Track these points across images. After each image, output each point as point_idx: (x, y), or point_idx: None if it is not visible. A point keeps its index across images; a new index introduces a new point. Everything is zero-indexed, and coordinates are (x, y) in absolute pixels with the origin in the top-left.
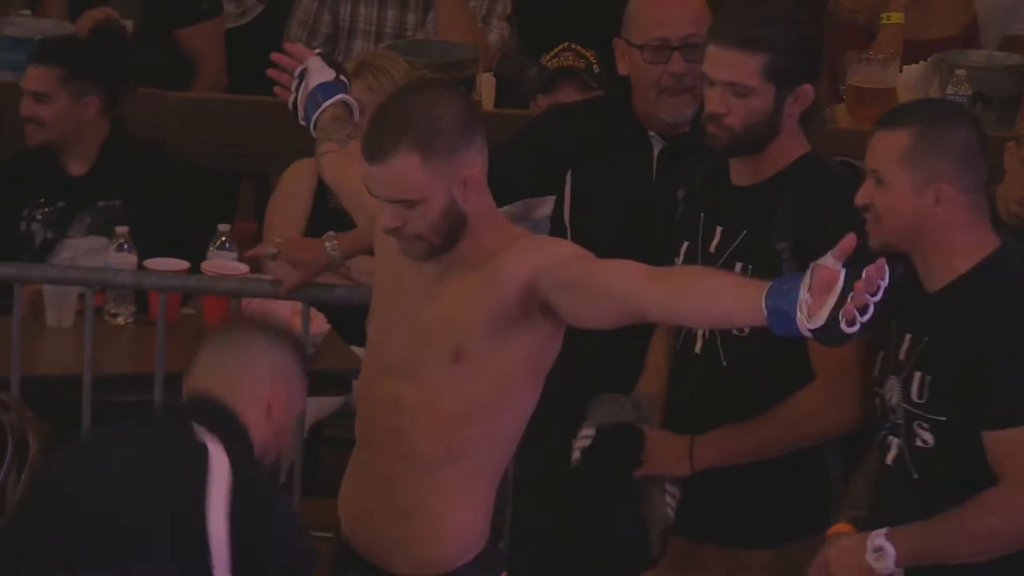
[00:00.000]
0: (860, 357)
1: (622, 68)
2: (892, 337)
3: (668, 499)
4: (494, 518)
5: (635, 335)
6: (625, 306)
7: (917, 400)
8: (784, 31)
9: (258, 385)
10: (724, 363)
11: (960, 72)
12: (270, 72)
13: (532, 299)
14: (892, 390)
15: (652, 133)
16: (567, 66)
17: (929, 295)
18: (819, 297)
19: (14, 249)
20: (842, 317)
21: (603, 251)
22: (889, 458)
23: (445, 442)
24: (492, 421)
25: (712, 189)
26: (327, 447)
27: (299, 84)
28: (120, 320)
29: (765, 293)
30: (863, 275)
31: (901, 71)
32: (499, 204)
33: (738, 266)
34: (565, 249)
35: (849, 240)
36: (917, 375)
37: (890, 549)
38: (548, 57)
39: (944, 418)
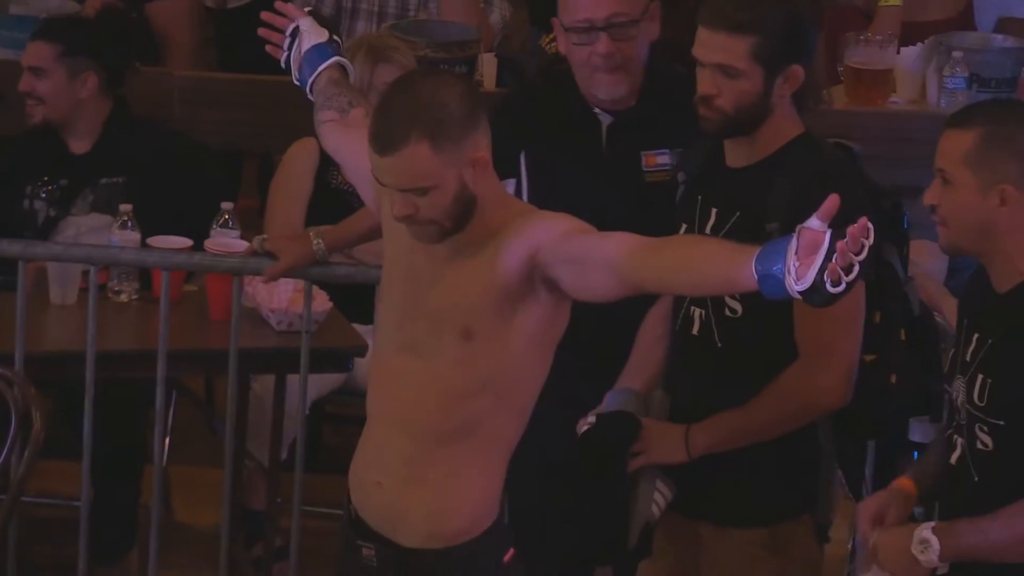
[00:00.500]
0: (844, 336)
1: (560, 47)
2: (962, 336)
3: (657, 496)
4: None
5: (632, 322)
6: (622, 278)
7: (979, 403)
8: (773, 13)
9: None
10: (719, 344)
11: (957, 54)
12: (261, 31)
13: (535, 274)
14: (958, 390)
15: (597, 110)
16: None
17: (998, 296)
18: (806, 259)
19: (17, 227)
20: (827, 277)
21: None
22: (953, 458)
23: (455, 417)
24: (502, 395)
25: (708, 171)
26: (328, 424)
27: (291, 43)
28: (123, 297)
29: (755, 258)
30: (847, 235)
31: (899, 53)
32: None
33: None
34: (565, 223)
35: (833, 201)
36: (980, 377)
37: (935, 543)
38: (546, 40)
39: (1003, 422)
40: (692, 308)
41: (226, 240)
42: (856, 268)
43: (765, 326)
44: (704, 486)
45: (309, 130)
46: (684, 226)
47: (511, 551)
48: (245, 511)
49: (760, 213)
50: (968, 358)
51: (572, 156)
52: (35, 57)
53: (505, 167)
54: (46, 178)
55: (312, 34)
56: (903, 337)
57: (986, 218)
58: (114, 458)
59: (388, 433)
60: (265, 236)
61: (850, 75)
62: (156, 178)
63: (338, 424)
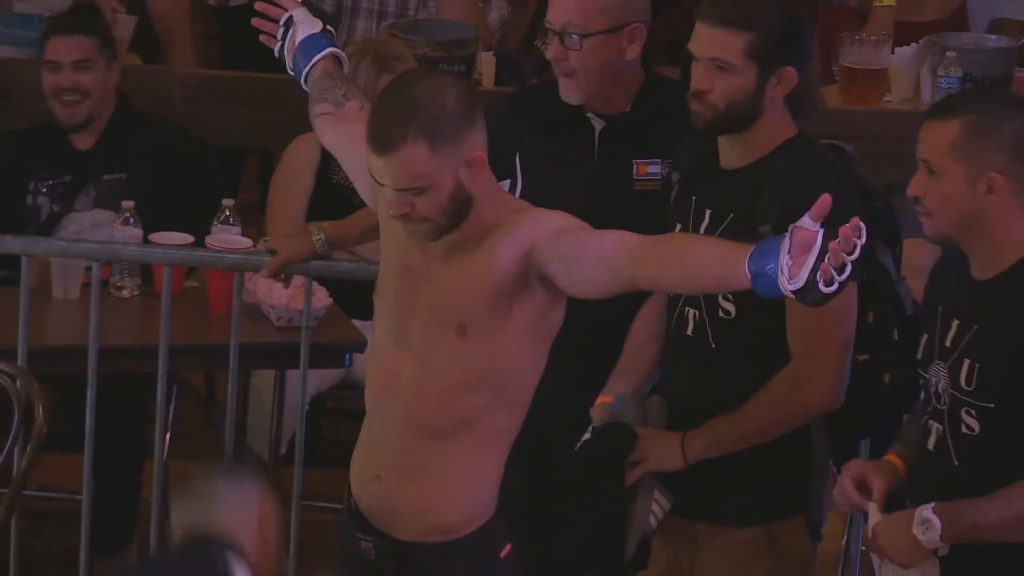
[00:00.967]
0: (835, 339)
1: None
2: (938, 323)
3: (655, 507)
4: None
5: (624, 323)
6: (616, 275)
7: (966, 387)
8: (771, 12)
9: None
10: (713, 345)
11: (951, 54)
12: (255, 21)
13: (530, 271)
14: (937, 375)
15: (590, 114)
16: None
17: (979, 283)
18: (799, 258)
19: (21, 222)
20: (820, 277)
21: None
22: (930, 443)
23: (452, 412)
24: (498, 391)
25: (702, 172)
26: (327, 419)
27: (285, 33)
28: (125, 293)
29: (748, 257)
30: (839, 235)
31: (893, 53)
32: None
33: None
34: (559, 220)
35: (825, 200)
36: (966, 362)
37: (936, 522)
38: (541, 42)
39: (993, 405)
40: (687, 309)
41: (227, 236)
42: (848, 267)
43: (759, 328)
44: (698, 486)
45: (310, 127)
46: (679, 226)
47: (508, 546)
48: None
49: (753, 215)
50: (948, 344)
51: (565, 159)
52: (79, 51)
53: (501, 167)
54: (49, 174)
55: (306, 24)
56: (896, 337)
57: (973, 207)
58: (115, 452)
59: (385, 428)
60: (267, 238)
61: (845, 75)
62: (158, 174)
63: (337, 419)
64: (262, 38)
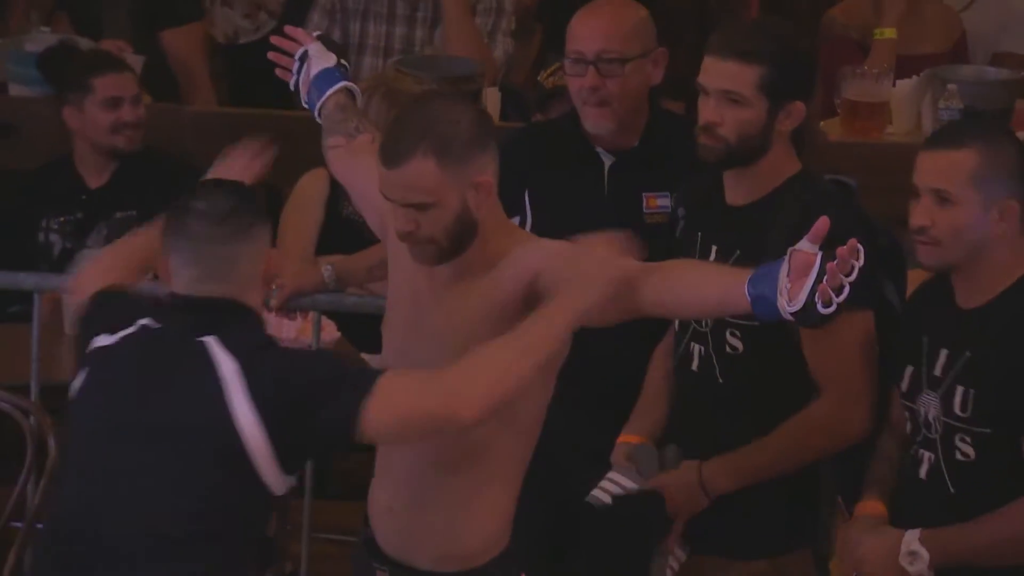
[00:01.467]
0: (865, 367)
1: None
2: (924, 353)
3: (672, 562)
4: None
5: (632, 354)
6: (620, 302)
7: (960, 413)
8: (780, 47)
9: (253, 267)
10: (720, 380)
11: (951, 86)
12: (271, 55)
13: (536, 300)
14: (927, 405)
15: (600, 149)
16: (561, 85)
17: (967, 311)
18: (797, 280)
19: (34, 259)
20: (818, 298)
21: None
22: (922, 472)
23: (460, 442)
24: (505, 421)
25: (708, 208)
26: (337, 452)
27: (300, 67)
28: None
29: (748, 281)
30: (836, 257)
31: (894, 85)
32: None
33: None
34: (564, 249)
35: (823, 223)
36: (959, 389)
37: (924, 553)
38: (544, 75)
39: (989, 430)
40: (692, 344)
41: None
42: (846, 289)
43: (766, 364)
44: (705, 519)
45: (318, 163)
46: None
47: None
48: None
49: (759, 253)
50: (939, 373)
51: (574, 194)
52: (133, 86)
53: (510, 203)
54: (61, 211)
55: (320, 58)
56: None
57: (983, 234)
58: None
59: (397, 460)
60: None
61: (847, 107)
62: None
63: (347, 451)
64: (278, 72)
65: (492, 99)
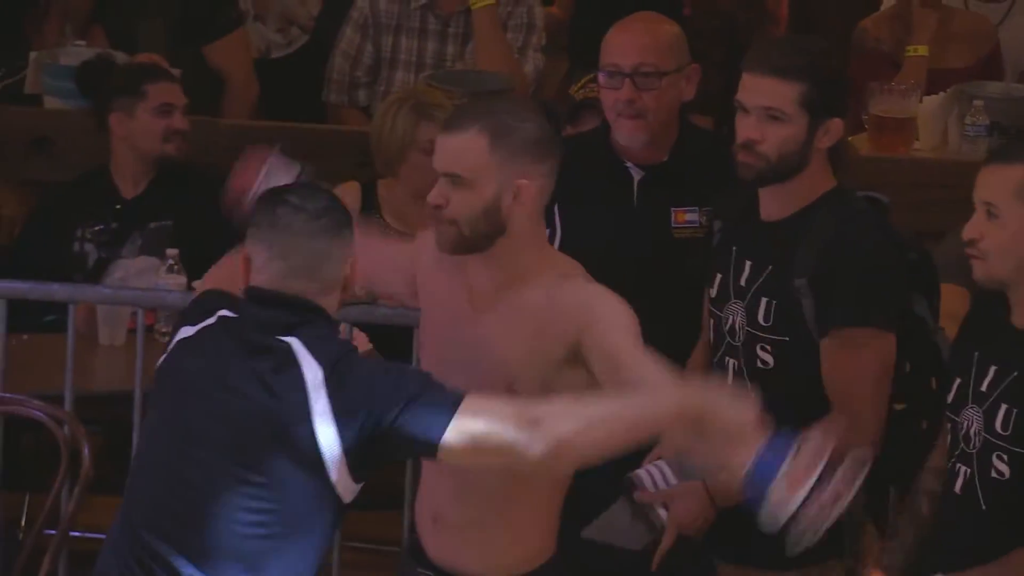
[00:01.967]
0: (876, 392)
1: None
2: (973, 367)
3: (654, 518)
4: None
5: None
6: None
7: (1001, 432)
8: (819, 64)
9: (337, 268)
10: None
11: (978, 103)
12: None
13: (579, 352)
14: (970, 419)
15: (629, 164)
16: (591, 97)
17: (1017, 331)
18: (796, 482)
19: (68, 269)
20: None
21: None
22: (958, 486)
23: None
24: None
25: (743, 222)
26: None
27: (261, 179)
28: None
29: (753, 465)
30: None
31: (921, 101)
32: None
33: (763, 301)
34: (611, 313)
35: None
36: (1003, 407)
37: None
38: (575, 88)
39: None
40: (726, 358)
41: None
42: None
43: (795, 378)
44: (733, 529)
45: (349, 175)
46: (719, 276)
47: None
48: None
49: (790, 268)
50: (984, 389)
51: (604, 208)
52: (183, 96)
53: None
54: (96, 221)
55: (281, 171)
56: (934, 386)
57: None
58: None
59: (446, 471)
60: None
61: (874, 123)
62: (202, 223)
63: None
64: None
65: None
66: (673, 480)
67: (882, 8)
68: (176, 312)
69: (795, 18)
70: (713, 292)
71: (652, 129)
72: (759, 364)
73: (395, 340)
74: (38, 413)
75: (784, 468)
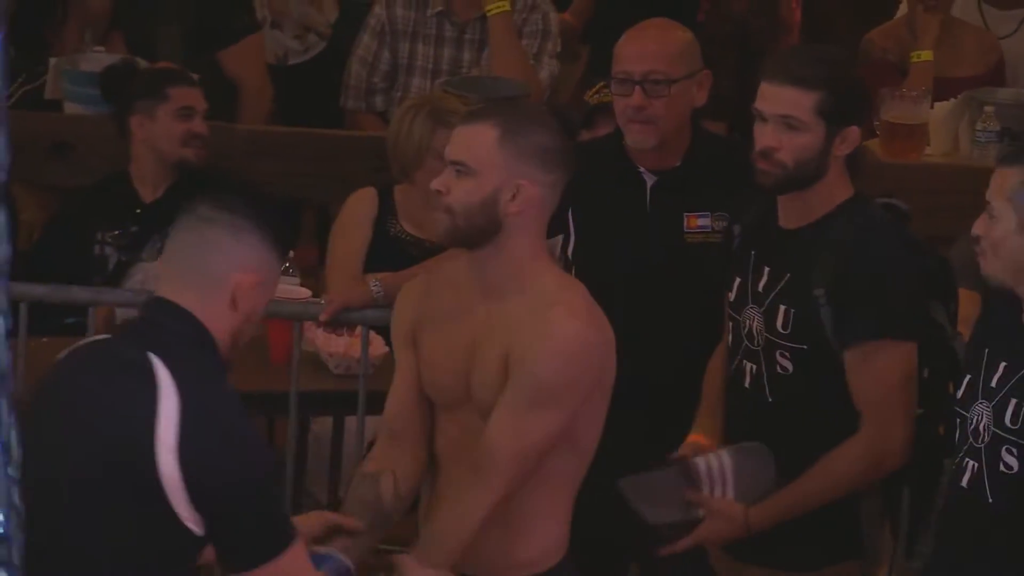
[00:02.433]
0: (904, 399)
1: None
2: (984, 363)
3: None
4: None
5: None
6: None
7: (1011, 425)
8: (836, 73)
9: (221, 275)
10: (770, 399)
11: (988, 108)
12: None
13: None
14: (980, 414)
15: (642, 169)
16: (605, 102)
17: None
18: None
19: (89, 272)
20: None
21: (606, 284)
22: (965, 480)
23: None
24: (569, 438)
25: (762, 228)
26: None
27: None
28: None
29: None
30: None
31: (932, 107)
32: None
33: (781, 308)
34: (537, 360)
35: None
36: (1013, 402)
37: None
38: (590, 93)
39: None
40: (744, 362)
41: (286, 287)
42: None
43: (815, 385)
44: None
45: (366, 181)
46: (738, 279)
47: None
48: None
49: (809, 277)
50: (994, 384)
51: (617, 213)
52: (204, 100)
53: (554, 222)
54: (116, 225)
55: None
56: (951, 390)
57: (1022, 254)
58: None
59: (455, 474)
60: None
61: (886, 129)
62: None
63: None
64: None
65: None
66: (729, 478)
67: (895, 18)
68: None
69: (807, 26)
70: (732, 296)
71: (663, 135)
72: (779, 370)
73: None
74: None
75: None
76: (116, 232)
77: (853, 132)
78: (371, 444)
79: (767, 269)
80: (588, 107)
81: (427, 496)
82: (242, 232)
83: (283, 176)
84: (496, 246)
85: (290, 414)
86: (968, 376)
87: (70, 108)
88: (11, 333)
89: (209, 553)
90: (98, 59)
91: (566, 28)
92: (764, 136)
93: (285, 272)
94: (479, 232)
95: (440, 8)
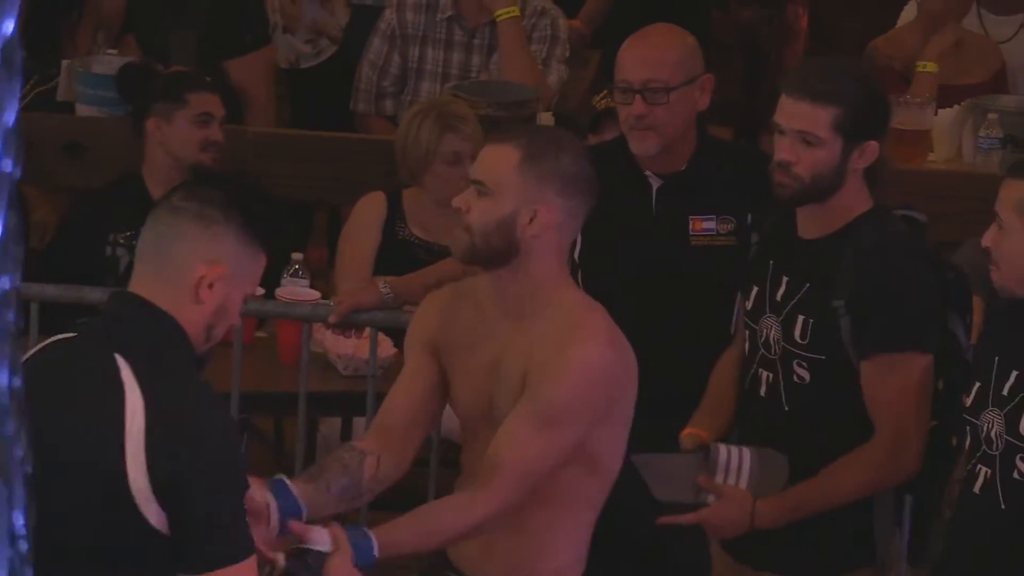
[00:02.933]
0: (918, 410)
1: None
2: (994, 372)
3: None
4: None
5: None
6: None
7: None
8: (855, 87)
9: (185, 265)
10: (786, 408)
11: (992, 115)
12: None
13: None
14: (991, 422)
15: (648, 173)
16: (613, 107)
17: None
18: None
19: (100, 273)
20: None
21: (611, 286)
22: (977, 487)
23: (550, 484)
24: (589, 463)
25: (781, 238)
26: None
27: None
28: None
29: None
30: None
31: (936, 114)
32: None
33: (800, 319)
34: (554, 379)
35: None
36: None
37: None
38: (597, 99)
39: None
40: (760, 371)
41: (296, 289)
42: None
43: (831, 394)
44: (763, 537)
45: (377, 184)
46: (755, 288)
47: None
48: None
49: (828, 288)
50: (1005, 393)
51: (623, 216)
52: (223, 107)
53: None
54: (128, 226)
55: None
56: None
57: None
58: None
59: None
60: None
61: (892, 135)
62: None
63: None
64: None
65: (546, 124)
66: (745, 471)
67: (897, 26)
68: None
69: (814, 32)
70: (749, 304)
71: (664, 141)
72: (795, 379)
73: None
74: None
75: None
76: (128, 233)
77: (871, 147)
78: None
79: (785, 279)
80: (595, 112)
81: None
82: (210, 222)
83: (294, 178)
84: (515, 267)
85: (299, 415)
86: (978, 384)
87: (82, 110)
88: (22, 333)
89: None
90: (110, 61)
91: (574, 33)
92: (781, 149)
93: (295, 274)
94: (496, 253)
95: (450, 13)
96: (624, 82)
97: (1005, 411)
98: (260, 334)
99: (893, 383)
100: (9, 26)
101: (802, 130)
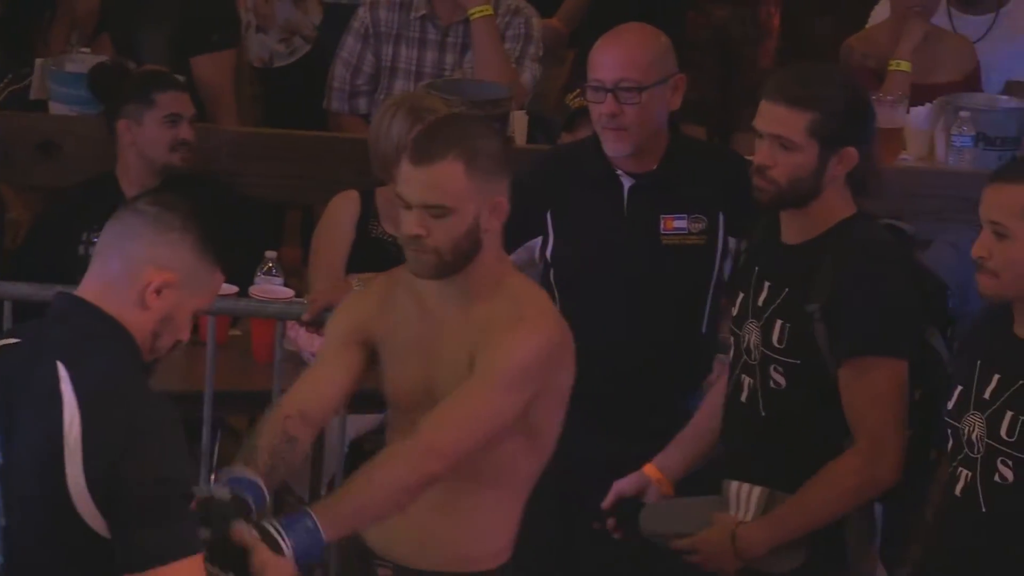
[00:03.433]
0: (895, 417)
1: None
2: (976, 375)
3: None
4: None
5: (643, 363)
6: None
7: (1006, 438)
8: (834, 93)
9: (135, 268)
10: (763, 413)
11: (964, 114)
12: None
13: None
14: (972, 426)
15: (620, 171)
16: (587, 105)
17: (1021, 341)
18: None
19: (74, 273)
20: None
21: (583, 284)
22: (958, 489)
23: (473, 463)
24: (530, 436)
25: (765, 244)
26: (365, 462)
27: None
28: None
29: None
30: None
31: (908, 112)
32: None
33: (778, 323)
34: (509, 342)
35: None
36: (1008, 414)
37: None
38: (570, 97)
39: None
40: (742, 376)
41: (270, 287)
42: None
43: (806, 400)
44: None
45: (350, 184)
46: (741, 294)
47: None
48: None
49: (805, 294)
50: (987, 396)
51: (595, 215)
52: (191, 106)
53: (533, 224)
54: (102, 226)
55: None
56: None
57: None
58: None
59: None
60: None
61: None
62: None
63: None
64: None
65: (520, 122)
66: (752, 508)
67: (868, 25)
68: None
69: (786, 31)
70: (735, 311)
71: (636, 140)
72: (772, 385)
73: None
74: None
75: None
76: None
77: (850, 153)
78: (353, 442)
79: (767, 284)
80: (570, 111)
81: None
82: (167, 229)
83: (268, 177)
84: (473, 261)
85: None
86: (959, 387)
87: (55, 109)
88: None
89: None
90: (83, 60)
91: (552, 32)
92: (760, 154)
93: (269, 272)
94: (465, 258)
95: (423, 11)
96: (596, 81)
97: (986, 414)
98: (234, 332)
99: (868, 388)
100: None
101: (778, 134)
